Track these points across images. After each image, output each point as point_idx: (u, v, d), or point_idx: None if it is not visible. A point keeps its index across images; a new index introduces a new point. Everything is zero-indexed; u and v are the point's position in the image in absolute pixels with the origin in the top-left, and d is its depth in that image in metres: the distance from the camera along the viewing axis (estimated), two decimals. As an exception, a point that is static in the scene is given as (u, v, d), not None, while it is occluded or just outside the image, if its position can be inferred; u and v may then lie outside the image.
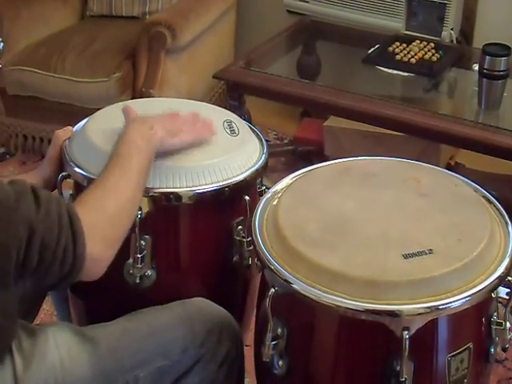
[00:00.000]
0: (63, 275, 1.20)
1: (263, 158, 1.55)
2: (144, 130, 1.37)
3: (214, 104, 3.10)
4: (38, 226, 1.14)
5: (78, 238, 1.18)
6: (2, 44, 3.06)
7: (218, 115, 1.61)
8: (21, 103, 3.21)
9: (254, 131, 1.64)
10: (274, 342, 1.28)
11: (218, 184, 1.44)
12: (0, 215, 1.12)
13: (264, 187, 1.63)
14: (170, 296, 1.46)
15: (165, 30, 2.94)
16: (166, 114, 1.46)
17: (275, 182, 1.50)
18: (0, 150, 3.33)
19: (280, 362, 1.29)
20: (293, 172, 1.52)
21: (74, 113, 3.02)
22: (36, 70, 3.07)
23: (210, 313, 1.44)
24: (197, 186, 1.42)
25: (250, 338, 1.54)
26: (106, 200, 1.27)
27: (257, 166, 1.52)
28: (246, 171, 1.49)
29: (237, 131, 1.56)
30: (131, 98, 3.00)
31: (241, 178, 1.47)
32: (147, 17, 3.29)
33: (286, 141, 3.38)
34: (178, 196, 1.42)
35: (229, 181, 1.45)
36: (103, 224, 1.24)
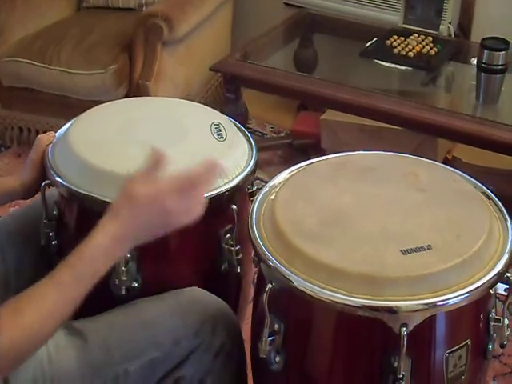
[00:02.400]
0: None
1: (252, 162, 1.51)
2: (113, 251, 1.19)
3: (210, 97, 3.08)
4: None
5: None
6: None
7: (206, 117, 1.58)
8: (16, 95, 3.20)
9: (243, 132, 1.60)
10: (270, 338, 1.27)
11: (205, 194, 1.40)
12: None
13: (255, 188, 1.60)
14: None
15: (161, 22, 2.92)
16: (155, 214, 1.22)
17: (271, 176, 1.49)
18: (-5, 143, 3.32)
19: (277, 358, 1.28)
20: (289, 165, 1.51)
21: (70, 105, 3.00)
22: (32, 62, 3.05)
23: (203, 303, 1.42)
24: None
25: (244, 332, 1.52)
26: (33, 337, 1.14)
27: (245, 172, 1.48)
28: (233, 179, 1.45)
29: (224, 135, 1.52)
30: (128, 91, 2.99)
31: (228, 186, 1.44)
32: (144, 8, 3.27)
33: (282, 134, 3.37)
34: None
35: (216, 190, 1.41)
36: (8, 357, 1.13)
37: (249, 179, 1.51)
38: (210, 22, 3.26)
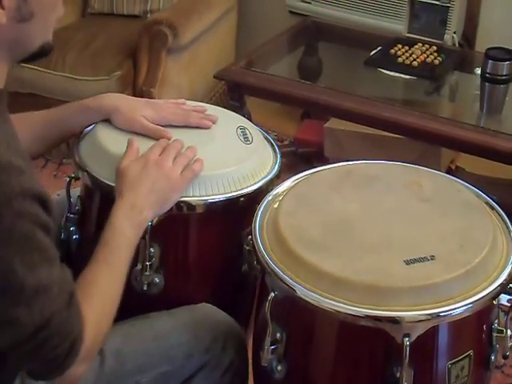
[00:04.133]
0: (37, 373, 1.18)
1: (276, 167, 1.53)
2: (133, 216, 1.31)
3: (214, 104, 3.09)
4: (54, 326, 1.10)
5: (71, 356, 1.14)
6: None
7: (232, 121, 1.60)
8: (20, 100, 3.19)
9: (266, 138, 1.62)
10: (272, 347, 1.26)
11: (230, 194, 1.42)
12: (37, 299, 1.07)
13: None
14: (177, 303, 1.44)
15: (166, 29, 2.92)
16: (154, 174, 1.36)
17: (275, 183, 1.49)
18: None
19: (279, 367, 1.28)
20: (293, 173, 1.51)
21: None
22: (36, 67, 3.05)
23: (215, 320, 1.43)
24: (209, 196, 1.40)
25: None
26: (103, 317, 1.22)
27: (270, 176, 1.50)
28: (259, 181, 1.47)
29: (250, 139, 1.54)
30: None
31: (254, 188, 1.45)
32: (148, 15, 3.27)
33: (286, 142, 3.36)
34: (189, 205, 1.40)
35: (241, 191, 1.43)
36: (97, 345, 1.21)
37: (273, 183, 1.52)
38: (215, 30, 3.27)
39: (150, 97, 2.92)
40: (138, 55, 3.01)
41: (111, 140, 1.46)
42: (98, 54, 3.07)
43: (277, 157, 1.57)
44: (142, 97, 2.91)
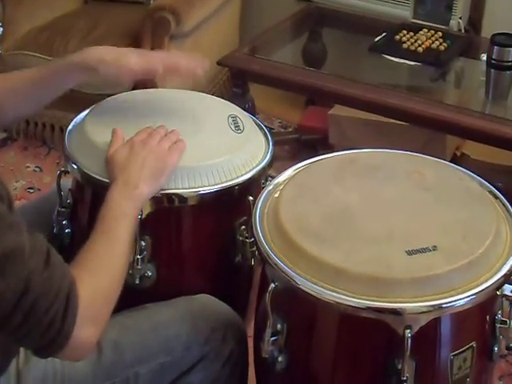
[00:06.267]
0: (41, 346, 1.13)
1: (268, 155, 1.51)
2: (128, 191, 1.31)
3: (217, 91, 3.07)
4: (35, 288, 1.06)
5: (68, 316, 1.10)
6: (1, 29, 3.04)
7: (223, 109, 1.58)
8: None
9: (259, 126, 1.60)
10: (273, 338, 1.25)
11: (221, 185, 1.41)
12: (8, 265, 1.04)
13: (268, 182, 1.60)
14: (170, 296, 1.43)
15: (169, 16, 2.91)
16: (142, 153, 1.36)
17: (278, 171, 1.48)
18: (2, 136, 3.30)
19: (279, 358, 1.27)
20: (296, 161, 1.49)
21: (77, 98, 2.96)
22: (38, 55, 3.05)
23: (214, 310, 1.42)
24: (200, 187, 1.39)
25: (251, 328, 1.51)
26: (101, 277, 1.20)
27: (262, 165, 1.48)
28: (250, 171, 1.45)
29: (241, 127, 1.52)
30: (134, 84, 2.97)
31: (245, 177, 1.44)
32: (151, 1, 3.26)
33: (290, 129, 3.35)
34: (181, 197, 1.39)
35: (233, 181, 1.42)
36: (99, 305, 1.18)
37: (265, 172, 1.50)
38: (218, 16, 3.25)
39: (153, 84, 2.90)
40: (141, 42, 2.99)
41: (100, 133, 1.44)
42: (101, 40, 3.05)
43: (269, 145, 1.54)
44: (144, 84, 2.93)
